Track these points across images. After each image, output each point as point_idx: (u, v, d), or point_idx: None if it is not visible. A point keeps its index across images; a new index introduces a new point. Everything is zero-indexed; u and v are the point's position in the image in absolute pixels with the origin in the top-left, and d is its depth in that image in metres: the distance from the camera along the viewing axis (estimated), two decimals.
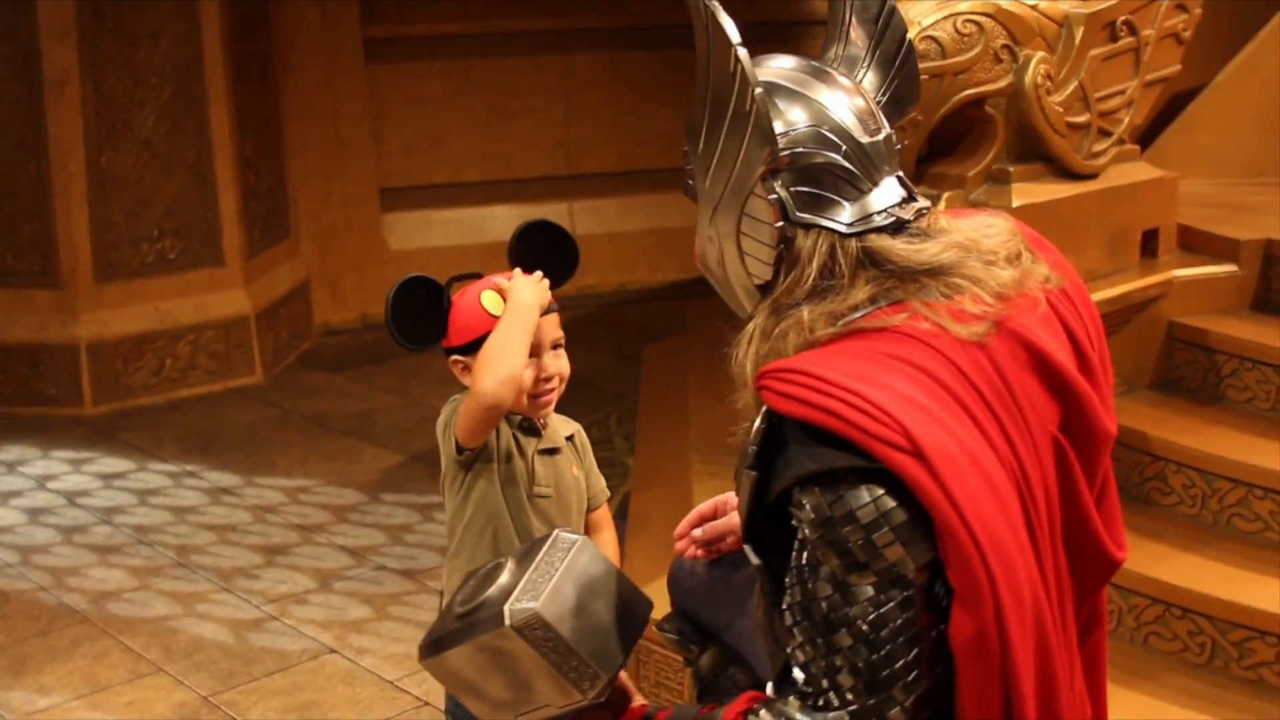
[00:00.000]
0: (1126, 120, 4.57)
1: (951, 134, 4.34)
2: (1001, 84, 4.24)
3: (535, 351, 3.15)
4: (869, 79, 2.37)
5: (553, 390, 3.20)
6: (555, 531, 2.65)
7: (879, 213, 2.25)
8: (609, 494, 3.45)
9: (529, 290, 3.14)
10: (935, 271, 2.23)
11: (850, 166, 2.25)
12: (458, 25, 8.74)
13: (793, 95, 2.26)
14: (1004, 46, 4.24)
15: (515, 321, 3.08)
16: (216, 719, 4.44)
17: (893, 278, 2.24)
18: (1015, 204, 4.14)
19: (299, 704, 4.50)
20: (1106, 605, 2.57)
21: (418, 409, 7.02)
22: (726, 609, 3.00)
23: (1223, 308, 4.67)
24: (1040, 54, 4.26)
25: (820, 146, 2.23)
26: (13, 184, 7.14)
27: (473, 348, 3.13)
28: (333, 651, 4.79)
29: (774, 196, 2.23)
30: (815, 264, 2.24)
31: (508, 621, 2.43)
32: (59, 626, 5.00)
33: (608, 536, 3.37)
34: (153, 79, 7.22)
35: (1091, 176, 4.46)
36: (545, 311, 3.18)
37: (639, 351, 7.46)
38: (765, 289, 2.32)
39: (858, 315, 2.23)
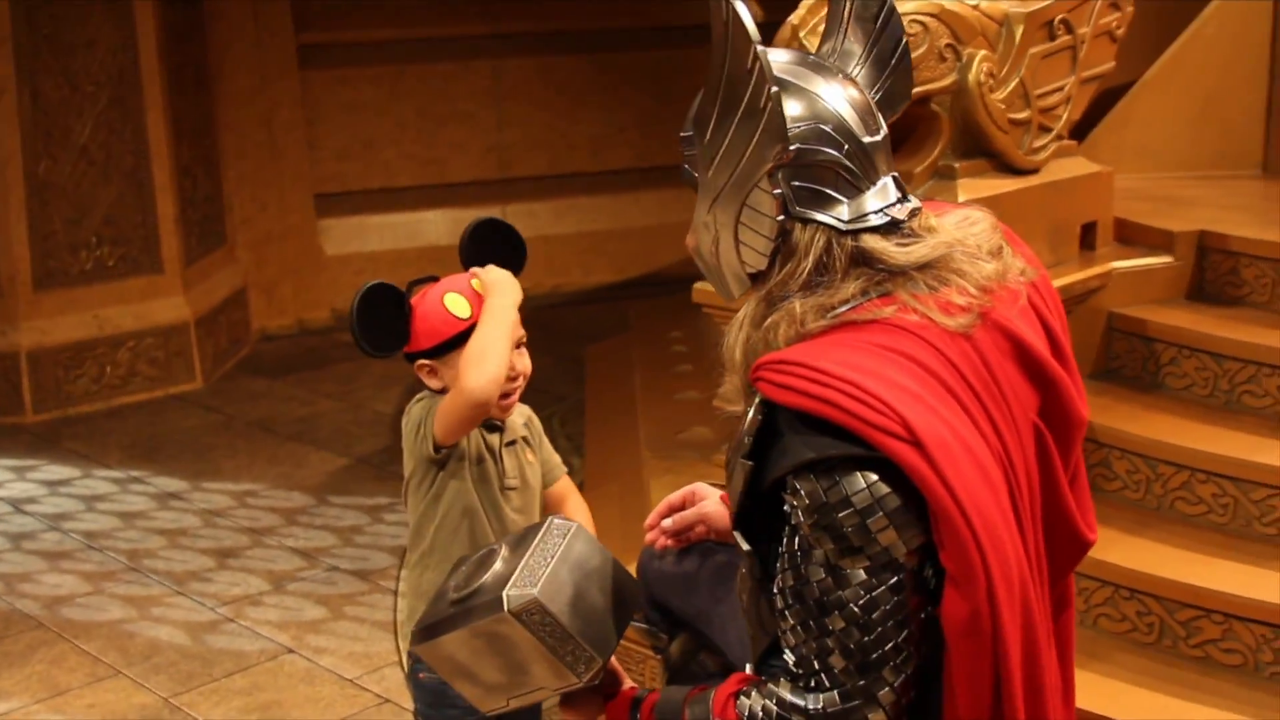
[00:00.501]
0: (1065, 116, 4.69)
1: (898, 131, 4.43)
2: (946, 82, 4.34)
3: (520, 344, 3.22)
4: (863, 76, 2.45)
5: (518, 389, 3.26)
6: (550, 519, 2.73)
7: (875, 212, 2.34)
8: (565, 469, 3.50)
9: (509, 287, 3.19)
10: (924, 266, 2.33)
11: (851, 165, 2.33)
12: (389, 31, 8.77)
13: (799, 92, 2.34)
14: (948, 45, 4.35)
15: (499, 319, 3.13)
16: None
17: (882, 273, 2.32)
18: (960, 199, 4.24)
19: (260, 704, 4.53)
20: (1074, 586, 2.67)
21: (360, 412, 7.06)
22: (697, 596, 3.08)
23: (1160, 298, 4.80)
24: (983, 52, 4.37)
25: (824, 144, 2.32)
26: None
27: (439, 351, 3.19)
28: (291, 652, 4.82)
29: (778, 191, 2.30)
30: (811, 258, 2.32)
31: (506, 607, 2.50)
32: (13, 632, 5.01)
33: (575, 503, 3.45)
34: (89, 87, 7.20)
35: (1032, 172, 4.58)
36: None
37: (576, 353, 7.51)
38: (756, 278, 2.39)
39: (847, 308, 2.31)
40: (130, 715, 4.50)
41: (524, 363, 3.25)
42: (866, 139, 2.35)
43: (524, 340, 3.27)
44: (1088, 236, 4.78)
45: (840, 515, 2.22)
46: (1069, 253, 4.69)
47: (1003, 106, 4.42)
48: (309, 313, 8.54)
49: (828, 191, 2.32)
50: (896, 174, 2.40)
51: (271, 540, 5.68)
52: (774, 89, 2.24)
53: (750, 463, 2.33)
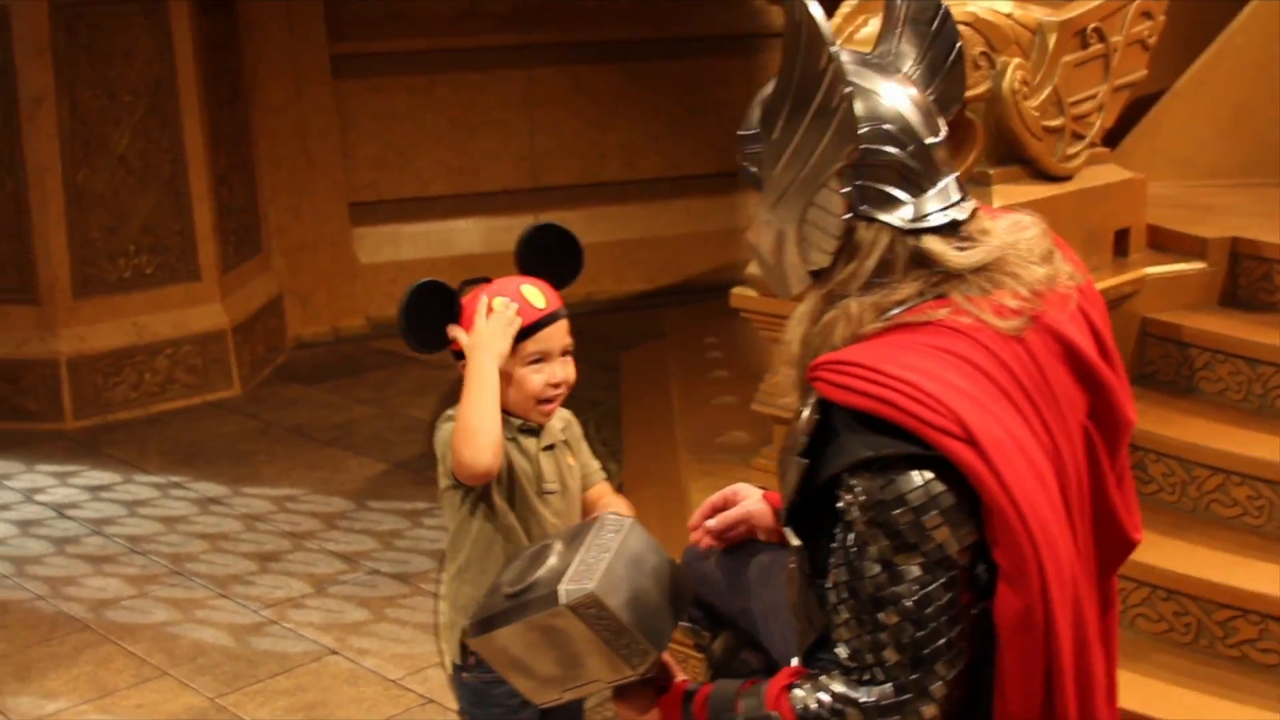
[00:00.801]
0: (1098, 124, 4.74)
1: None
2: (980, 90, 4.39)
3: (545, 358, 3.24)
4: (917, 79, 2.51)
5: (560, 396, 3.30)
6: (603, 515, 2.79)
7: (936, 212, 2.40)
8: (604, 473, 3.52)
9: (485, 345, 3.18)
10: (978, 269, 2.39)
11: (914, 165, 2.39)
12: (422, 41, 8.85)
13: (863, 92, 2.40)
14: (982, 54, 4.41)
15: (479, 387, 3.13)
16: None
17: (937, 275, 2.38)
18: (996, 205, 4.29)
19: (305, 704, 4.60)
20: (1118, 586, 2.72)
21: (396, 419, 7.13)
22: (740, 595, 3.13)
23: (1193, 303, 4.84)
24: (1016, 60, 4.42)
25: (888, 144, 2.38)
26: None
27: None
28: (334, 653, 4.89)
29: (845, 190, 2.36)
30: (874, 258, 2.38)
31: (563, 601, 2.55)
32: (60, 634, 5.08)
33: (617, 505, 3.40)
34: (126, 96, 7.30)
35: (1066, 178, 4.63)
36: (555, 318, 3.28)
37: (610, 360, 7.56)
38: (816, 275, 2.45)
39: (902, 309, 2.37)
40: (178, 715, 4.56)
41: (568, 371, 3.27)
42: (928, 139, 2.41)
43: (570, 349, 3.30)
44: (1121, 243, 4.82)
45: (895, 513, 2.28)
46: (1102, 259, 4.73)
47: (1036, 114, 4.47)
48: (343, 320, 8.62)
49: (891, 191, 2.38)
50: (956, 175, 2.45)
51: (312, 544, 5.75)
52: (848, 89, 2.30)
53: (806, 460, 2.39)
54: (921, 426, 2.26)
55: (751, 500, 3.08)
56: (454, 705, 3.42)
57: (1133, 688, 3.85)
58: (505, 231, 8.45)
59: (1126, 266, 4.79)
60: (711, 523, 3.13)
